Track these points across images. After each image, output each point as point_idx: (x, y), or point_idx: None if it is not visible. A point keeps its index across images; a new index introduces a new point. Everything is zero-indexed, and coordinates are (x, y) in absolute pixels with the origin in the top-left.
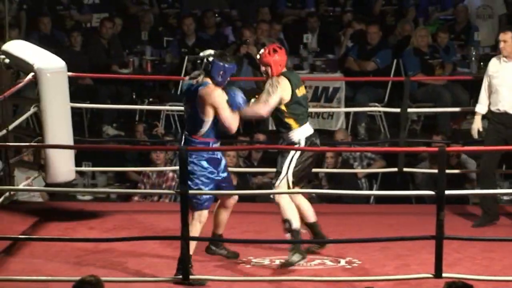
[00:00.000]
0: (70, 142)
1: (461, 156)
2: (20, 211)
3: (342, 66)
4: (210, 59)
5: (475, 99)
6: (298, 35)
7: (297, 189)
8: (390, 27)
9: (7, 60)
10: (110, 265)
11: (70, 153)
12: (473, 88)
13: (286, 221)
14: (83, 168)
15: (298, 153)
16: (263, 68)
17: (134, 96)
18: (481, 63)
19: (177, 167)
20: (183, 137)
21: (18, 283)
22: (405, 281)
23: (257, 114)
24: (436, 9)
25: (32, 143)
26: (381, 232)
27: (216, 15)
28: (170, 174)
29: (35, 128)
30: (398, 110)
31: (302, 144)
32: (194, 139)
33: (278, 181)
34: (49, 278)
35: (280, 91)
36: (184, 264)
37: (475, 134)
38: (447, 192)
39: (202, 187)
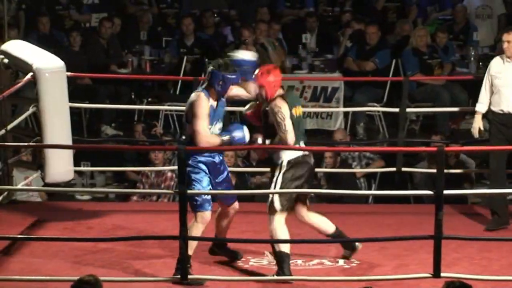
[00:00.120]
0: (69, 142)
1: (460, 156)
2: (19, 211)
3: (341, 66)
4: (210, 68)
5: (474, 99)
6: (297, 35)
7: (283, 217)
8: (391, 25)
9: (6, 60)
10: (108, 265)
11: (69, 153)
12: (472, 88)
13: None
14: (81, 168)
15: (281, 177)
16: (257, 90)
17: (133, 96)
18: (480, 63)
19: (175, 167)
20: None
21: (17, 283)
22: (404, 281)
23: (286, 143)
24: (434, 9)
25: (30, 143)
26: (379, 232)
27: (215, 15)
28: (169, 174)
29: (33, 128)
30: (397, 110)
31: (285, 166)
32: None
33: (268, 210)
34: (48, 278)
35: (285, 111)
36: (182, 264)
37: (476, 134)
38: (445, 192)
39: (199, 188)
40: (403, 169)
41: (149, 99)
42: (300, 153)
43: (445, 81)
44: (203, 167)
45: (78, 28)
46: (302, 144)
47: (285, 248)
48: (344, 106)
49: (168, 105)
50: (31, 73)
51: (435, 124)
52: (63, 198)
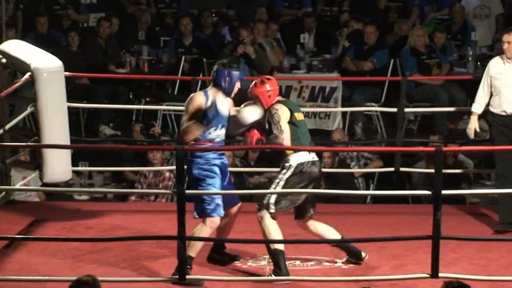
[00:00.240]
0: (67, 141)
1: (458, 156)
2: (17, 211)
3: (339, 66)
4: (215, 68)
5: (472, 99)
6: (295, 35)
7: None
8: (392, 24)
9: (4, 60)
10: (107, 265)
11: (67, 153)
12: (470, 88)
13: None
14: (80, 168)
15: (284, 180)
16: (253, 101)
17: (131, 96)
18: (478, 63)
19: (173, 167)
20: None
21: (15, 283)
22: (402, 281)
23: (278, 144)
24: (432, 9)
25: (28, 143)
26: (377, 232)
27: (213, 15)
28: (167, 174)
29: (31, 128)
30: (395, 110)
31: (292, 169)
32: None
33: (261, 207)
34: (46, 278)
35: (281, 113)
36: (181, 264)
37: (471, 135)
38: (444, 192)
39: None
40: (401, 169)
41: (147, 99)
42: (308, 158)
43: (443, 81)
44: (217, 171)
45: (76, 28)
46: (305, 157)
47: (279, 245)
48: (342, 106)
49: (166, 105)
50: (29, 73)
51: (433, 124)
52: (61, 198)
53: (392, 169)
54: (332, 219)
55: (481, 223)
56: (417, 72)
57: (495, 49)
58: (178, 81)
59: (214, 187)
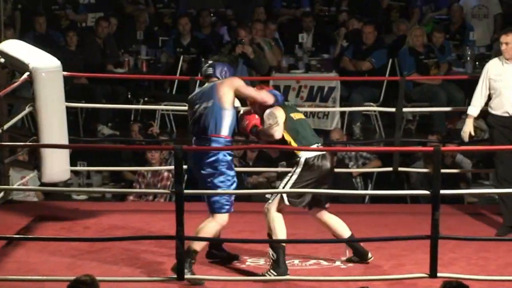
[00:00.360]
0: (65, 141)
1: (457, 156)
2: (15, 210)
3: (337, 66)
4: (210, 62)
5: (470, 99)
6: (293, 35)
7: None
8: (391, 24)
9: (2, 60)
10: (105, 265)
11: (65, 153)
12: (468, 88)
13: (270, 236)
14: (78, 168)
15: (297, 175)
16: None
17: (129, 96)
18: (477, 63)
19: (172, 167)
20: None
21: (14, 283)
22: (400, 281)
23: (270, 134)
24: (430, 9)
25: (27, 143)
26: (376, 231)
27: (212, 14)
28: (165, 174)
29: (30, 127)
30: (393, 109)
31: (302, 164)
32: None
33: (271, 200)
34: (44, 277)
35: (277, 113)
36: (179, 263)
37: (466, 138)
38: (442, 191)
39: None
40: (400, 169)
41: (146, 99)
42: (317, 152)
43: (442, 80)
44: (233, 166)
45: (75, 28)
46: (314, 146)
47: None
48: (341, 105)
49: (165, 105)
50: (27, 73)
51: (431, 124)
52: (59, 198)
53: (390, 169)
54: None
55: (479, 223)
56: (416, 72)
57: (493, 49)
58: (176, 81)
59: (233, 184)
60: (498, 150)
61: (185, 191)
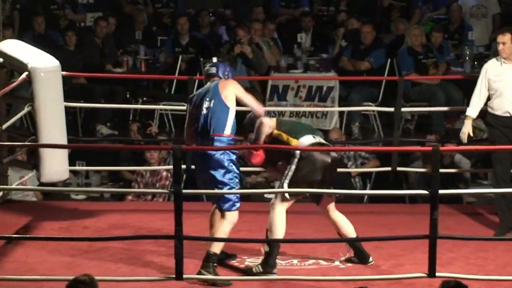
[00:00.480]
0: (64, 141)
1: (455, 156)
2: (14, 210)
3: (336, 66)
4: (214, 60)
5: (469, 99)
6: (292, 35)
7: (286, 206)
8: (390, 24)
9: (1, 60)
10: (104, 264)
11: (64, 153)
12: (467, 88)
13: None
14: (77, 168)
15: (294, 165)
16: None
17: (128, 96)
18: (475, 63)
19: (170, 167)
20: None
21: (12, 283)
22: (399, 280)
23: (261, 129)
24: (428, 9)
25: (26, 143)
26: (374, 231)
27: (210, 14)
28: (164, 173)
29: (29, 127)
30: (392, 109)
31: (297, 156)
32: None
33: (273, 197)
34: (43, 277)
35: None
36: (178, 263)
37: (464, 139)
38: (440, 191)
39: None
40: (398, 168)
41: (144, 99)
42: (313, 141)
43: (440, 80)
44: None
45: (73, 28)
46: (311, 139)
47: (278, 237)
48: (339, 105)
49: (163, 105)
50: (26, 73)
51: (430, 124)
52: (58, 197)
53: (389, 168)
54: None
55: (478, 222)
56: (414, 72)
57: (492, 49)
58: (175, 80)
59: (240, 182)
60: (496, 150)
61: (184, 190)
